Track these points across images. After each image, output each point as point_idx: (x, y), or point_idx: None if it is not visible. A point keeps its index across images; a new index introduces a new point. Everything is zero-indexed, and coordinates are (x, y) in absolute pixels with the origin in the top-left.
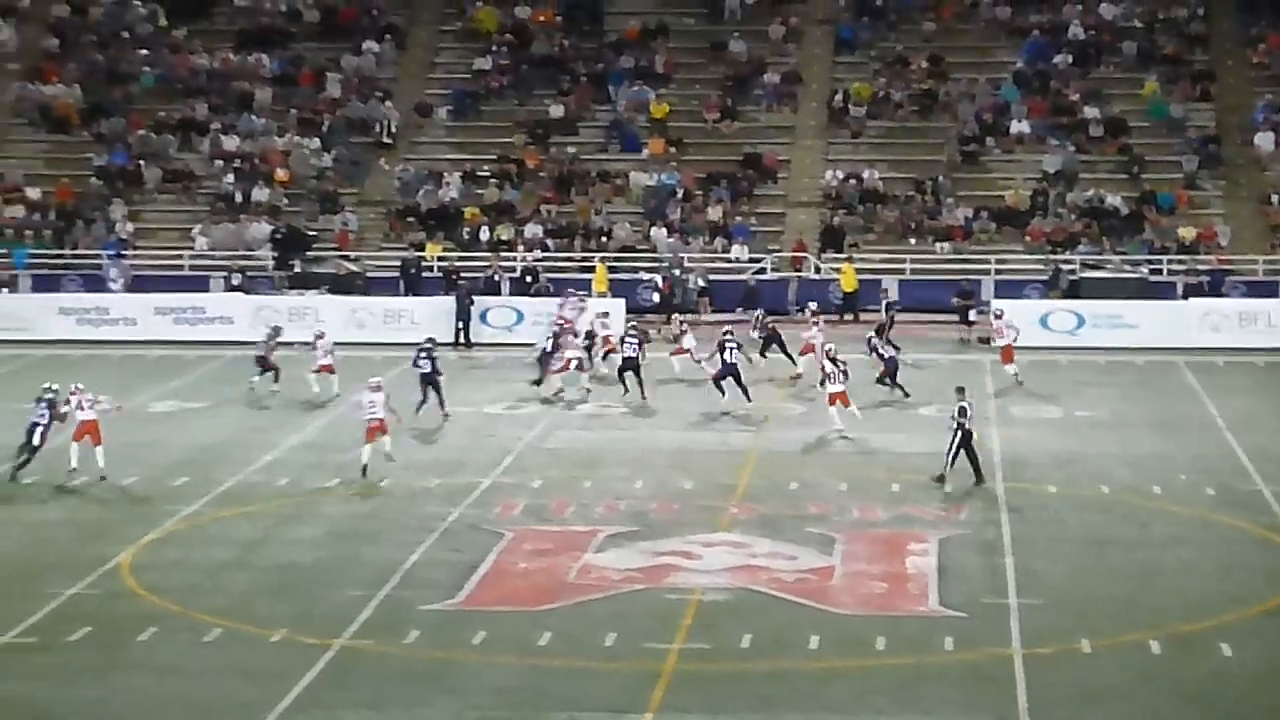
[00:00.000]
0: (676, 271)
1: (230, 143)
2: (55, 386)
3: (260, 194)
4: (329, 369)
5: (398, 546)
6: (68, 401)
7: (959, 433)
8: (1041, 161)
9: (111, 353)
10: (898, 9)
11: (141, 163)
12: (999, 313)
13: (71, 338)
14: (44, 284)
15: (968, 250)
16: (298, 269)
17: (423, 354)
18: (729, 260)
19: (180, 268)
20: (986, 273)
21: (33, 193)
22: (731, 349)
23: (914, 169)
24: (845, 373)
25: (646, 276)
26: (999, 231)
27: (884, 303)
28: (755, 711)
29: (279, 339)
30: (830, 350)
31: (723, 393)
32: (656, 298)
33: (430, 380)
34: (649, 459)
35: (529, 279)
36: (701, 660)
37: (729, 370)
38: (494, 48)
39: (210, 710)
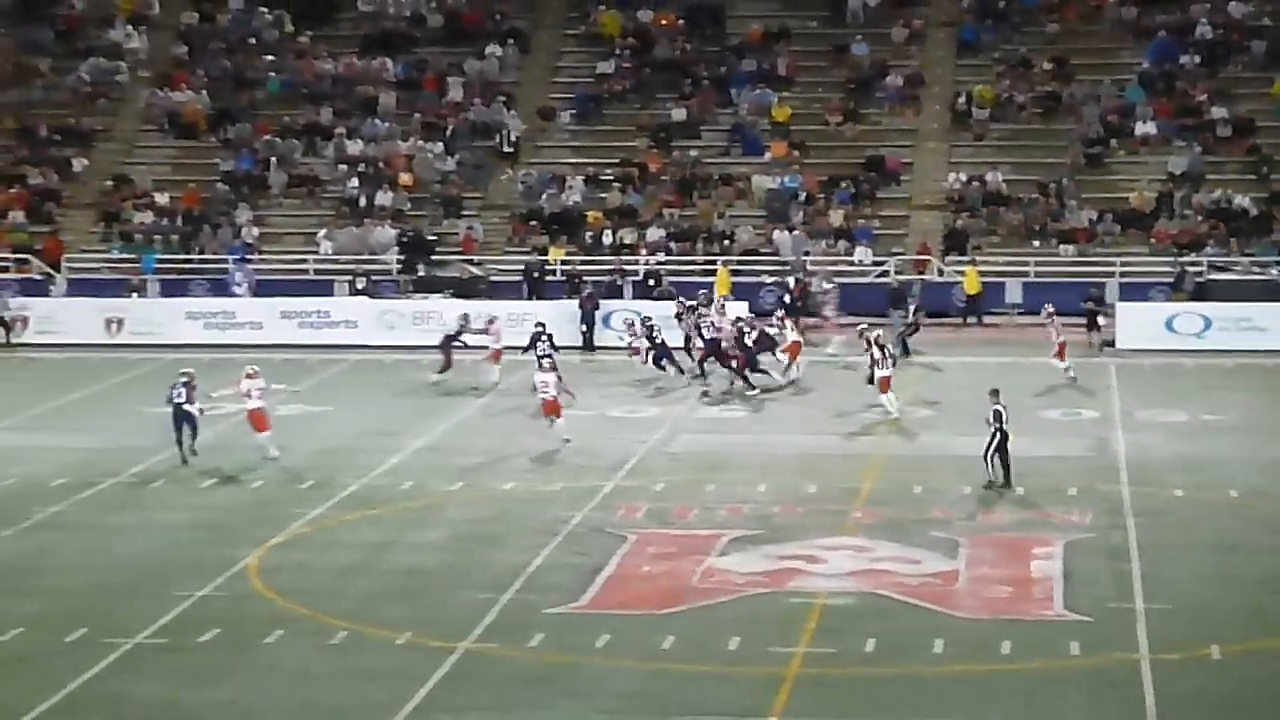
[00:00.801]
0: (801, 275)
1: (354, 147)
2: (191, 369)
3: (384, 198)
4: (497, 357)
5: (522, 549)
6: (239, 383)
7: (997, 436)
8: (1167, 163)
9: (237, 356)
10: (1021, 10)
11: (267, 168)
12: (1051, 311)
13: (198, 341)
14: (172, 288)
15: (1092, 253)
16: (422, 273)
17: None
18: (852, 263)
19: (305, 272)
20: (1111, 275)
21: (161, 198)
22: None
23: (1038, 171)
24: (894, 360)
25: (770, 280)
26: (1123, 234)
27: (912, 305)
28: (880, 716)
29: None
30: (878, 337)
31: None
32: (787, 299)
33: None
34: (772, 463)
35: (651, 282)
36: (825, 664)
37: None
38: (616, 51)
39: (337, 712)
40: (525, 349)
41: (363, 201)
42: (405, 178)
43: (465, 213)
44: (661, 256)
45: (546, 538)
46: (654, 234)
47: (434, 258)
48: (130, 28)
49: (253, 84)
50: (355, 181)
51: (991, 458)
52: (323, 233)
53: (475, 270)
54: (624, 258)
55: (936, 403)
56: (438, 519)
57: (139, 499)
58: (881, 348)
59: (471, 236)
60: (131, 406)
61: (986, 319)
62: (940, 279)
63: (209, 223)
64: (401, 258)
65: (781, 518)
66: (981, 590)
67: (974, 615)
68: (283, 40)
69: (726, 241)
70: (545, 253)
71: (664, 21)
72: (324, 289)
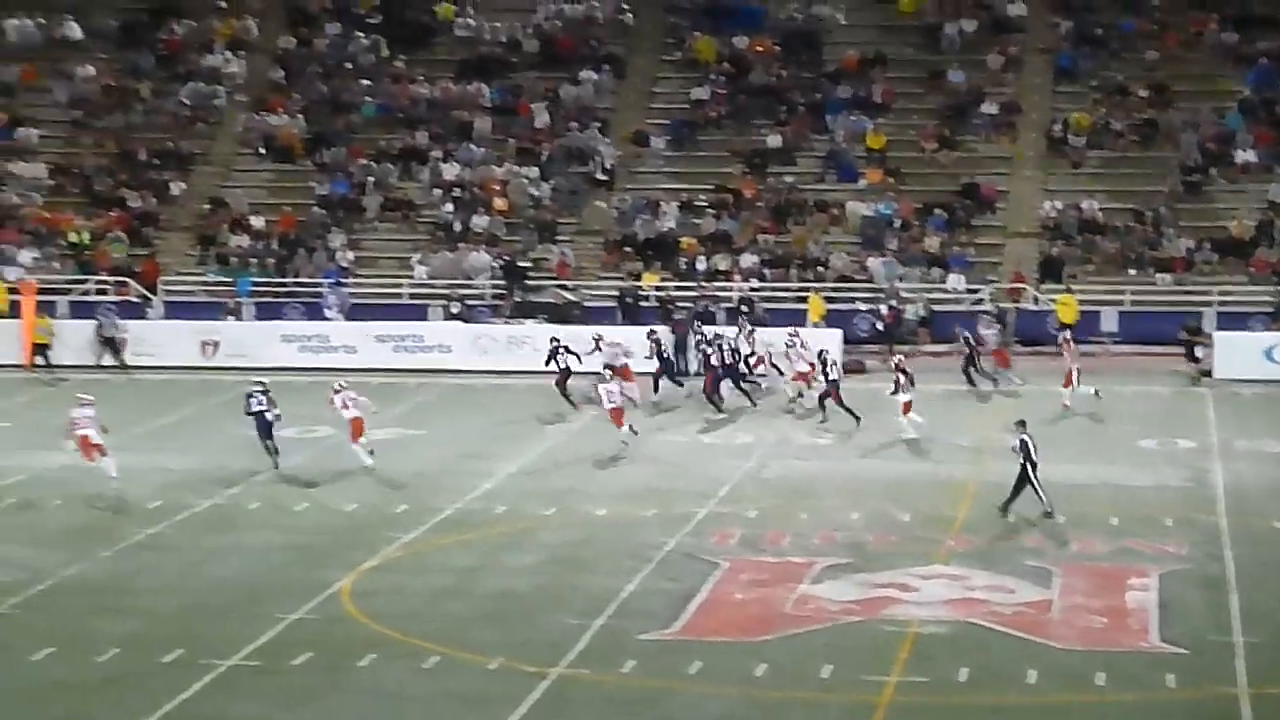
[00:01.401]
0: (894, 302)
1: (450, 172)
2: (266, 381)
3: (479, 223)
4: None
5: (614, 575)
6: (331, 401)
7: (1026, 465)
8: (1268, 190)
9: (332, 380)
10: (1119, 37)
11: (363, 191)
12: (1068, 336)
13: (293, 365)
14: (267, 311)
15: (1189, 281)
16: (516, 298)
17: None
18: (946, 290)
19: (400, 296)
20: (1208, 304)
21: (257, 221)
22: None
23: (1134, 199)
24: (913, 382)
25: (864, 307)
26: (1222, 262)
27: (963, 334)
28: None
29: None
30: (899, 362)
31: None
32: (881, 327)
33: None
34: (865, 490)
35: (744, 309)
36: (918, 693)
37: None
38: (712, 77)
39: None
40: (546, 361)
41: (457, 226)
42: (500, 203)
43: (559, 238)
44: (755, 283)
45: (639, 563)
46: (748, 260)
47: (529, 282)
48: (229, 52)
49: (349, 108)
50: (450, 206)
51: (1024, 487)
52: (417, 257)
53: (569, 295)
54: (717, 284)
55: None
56: (530, 543)
57: (234, 521)
58: (906, 373)
59: (565, 262)
60: (227, 429)
61: (1082, 348)
62: (1035, 307)
63: (304, 246)
64: (504, 282)
65: (874, 545)
66: (1076, 620)
67: (1069, 645)
68: (379, 65)
69: (820, 268)
70: (639, 278)
71: (760, 47)
72: (418, 313)
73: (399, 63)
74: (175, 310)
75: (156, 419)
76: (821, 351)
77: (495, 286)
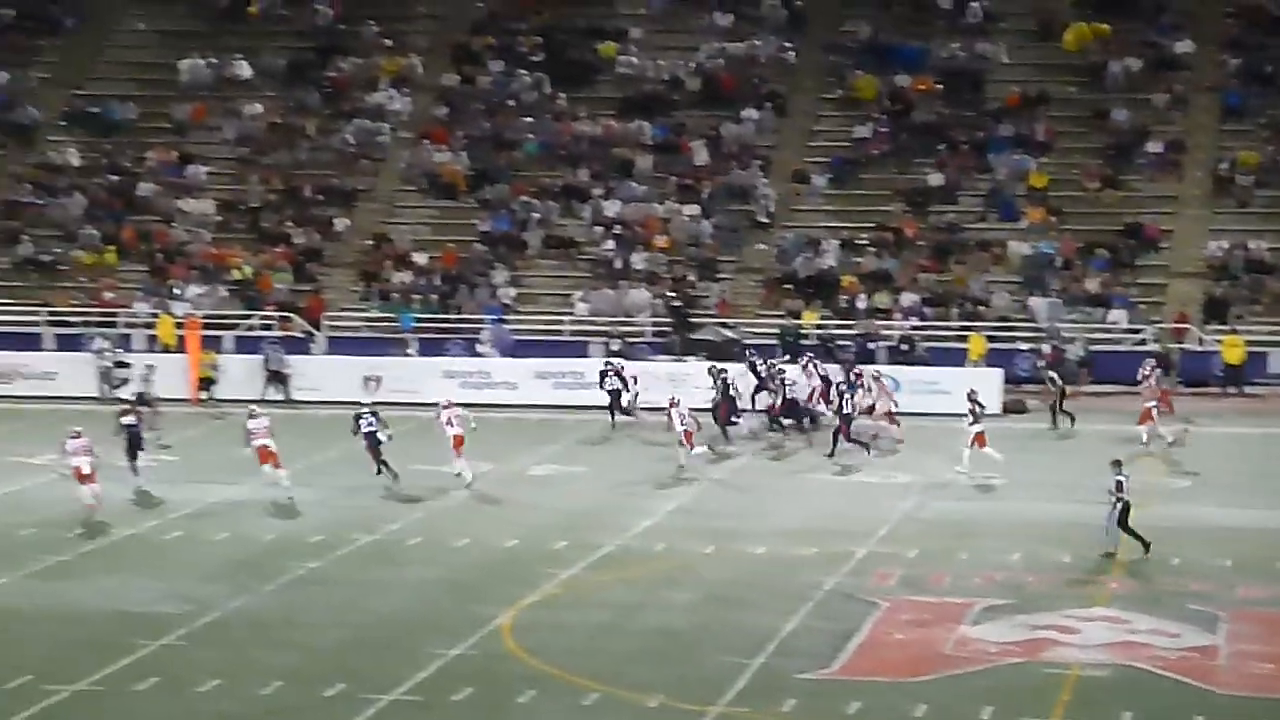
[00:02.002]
0: (1056, 342)
1: (611, 209)
2: (370, 403)
3: (640, 260)
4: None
5: (774, 613)
6: (437, 416)
7: (1117, 505)
8: None
9: (493, 416)
10: None
11: (525, 228)
12: (1149, 370)
13: (454, 401)
14: (428, 348)
15: None
16: (680, 335)
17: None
18: (1108, 330)
19: (560, 333)
20: None
21: (420, 258)
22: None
23: None
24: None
25: (1025, 347)
26: None
27: (1048, 375)
28: None
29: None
30: (973, 393)
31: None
32: (1043, 365)
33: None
34: (1026, 530)
35: (905, 347)
36: None
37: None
38: (873, 115)
39: None
40: (600, 384)
41: (618, 263)
42: (661, 240)
43: (720, 275)
44: (915, 321)
45: (798, 602)
46: (908, 299)
47: (690, 320)
48: (393, 90)
49: (511, 145)
50: (611, 243)
51: (1112, 528)
52: (578, 294)
53: (729, 333)
54: (878, 322)
55: (1195, 474)
56: (690, 581)
57: (395, 556)
58: (980, 404)
59: (726, 299)
60: (391, 464)
61: (1248, 389)
62: (1200, 348)
63: (466, 283)
64: (659, 320)
65: (1035, 586)
66: (1243, 666)
67: (1235, 692)
68: (541, 102)
69: (981, 307)
70: (799, 316)
71: (922, 86)
72: (578, 350)
73: (561, 100)
74: (338, 346)
75: (319, 454)
76: (839, 384)
77: (656, 324)
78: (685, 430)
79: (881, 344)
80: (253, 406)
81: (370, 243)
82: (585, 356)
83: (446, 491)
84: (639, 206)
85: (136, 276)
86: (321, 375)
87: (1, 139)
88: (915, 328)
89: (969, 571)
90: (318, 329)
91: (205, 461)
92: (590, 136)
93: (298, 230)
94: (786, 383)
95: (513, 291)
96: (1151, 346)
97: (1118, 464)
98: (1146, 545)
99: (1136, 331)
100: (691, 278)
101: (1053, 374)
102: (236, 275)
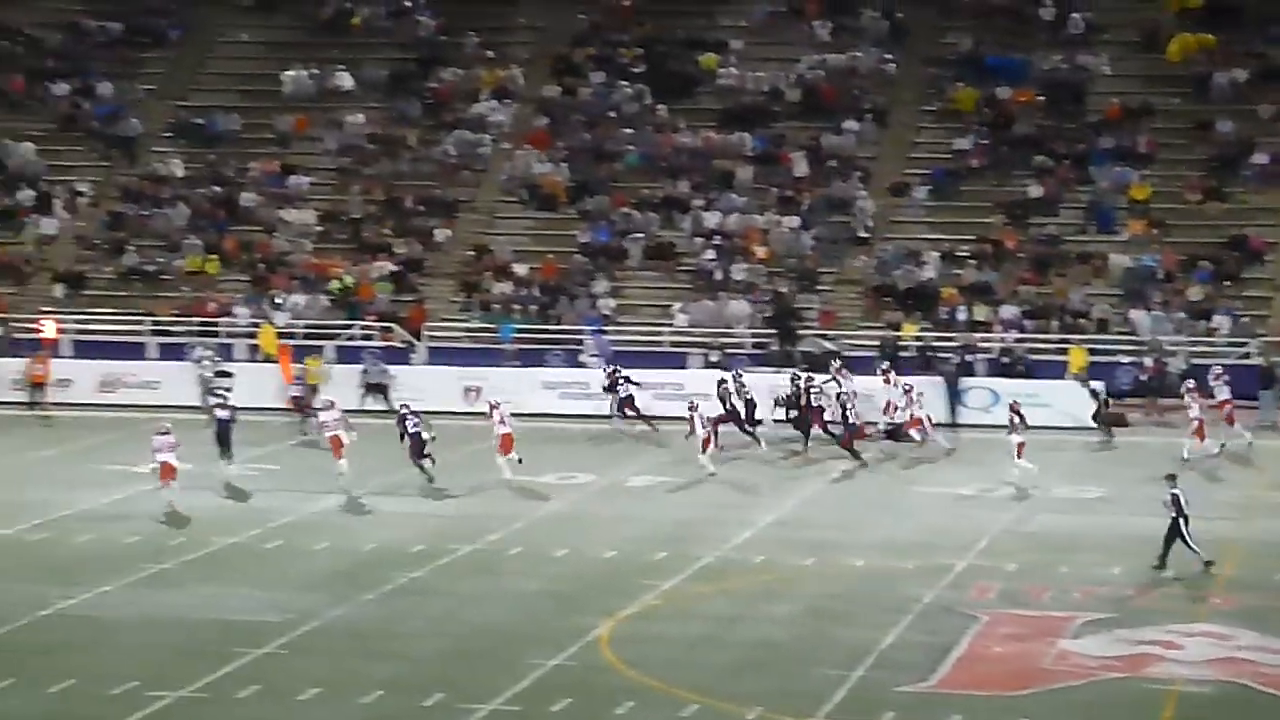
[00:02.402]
0: (1158, 355)
1: (711, 220)
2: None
3: (739, 272)
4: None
5: (872, 626)
6: (490, 414)
7: (1177, 520)
8: None
9: (591, 426)
10: None
11: (625, 239)
12: (1190, 384)
13: (554, 411)
14: (529, 358)
15: None
16: (775, 347)
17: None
18: (1211, 344)
19: (660, 344)
20: None
21: (520, 268)
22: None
23: None
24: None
25: (1127, 359)
26: None
27: (1089, 386)
28: None
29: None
30: (1016, 404)
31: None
32: (1145, 379)
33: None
34: (1127, 545)
35: (1005, 360)
36: None
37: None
38: (974, 127)
39: None
40: (606, 389)
41: (718, 275)
42: (761, 251)
43: (820, 287)
44: (1016, 334)
45: (897, 615)
46: (1008, 311)
47: (793, 332)
48: (494, 101)
49: (612, 156)
50: (711, 254)
51: (1171, 541)
52: (678, 305)
53: (829, 345)
54: (978, 334)
55: None
56: (789, 593)
57: (494, 566)
58: (1021, 414)
59: (828, 311)
60: (488, 475)
61: None
62: None
63: (566, 293)
64: (758, 331)
65: (1137, 601)
66: None
67: None
68: (642, 114)
69: (1082, 319)
70: (899, 328)
71: (1022, 98)
72: (677, 361)
73: (662, 112)
74: (439, 356)
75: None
76: (841, 393)
77: (755, 335)
78: (705, 435)
79: (981, 356)
80: (328, 399)
81: (471, 253)
82: (684, 368)
83: (547, 501)
84: (739, 218)
85: (238, 286)
86: (422, 385)
87: (107, 150)
88: (1017, 340)
89: (1069, 585)
90: (418, 339)
91: (306, 471)
92: (690, 148)
93: (398, 241)
94: (834, 395)
95: (612, 302)
96: (1255, 360)
97: (1172, 478)
98: (1163, 563)
99: (1241, 344)
100: (791, 289)
101: (1093, 385)
102: (336, 285)
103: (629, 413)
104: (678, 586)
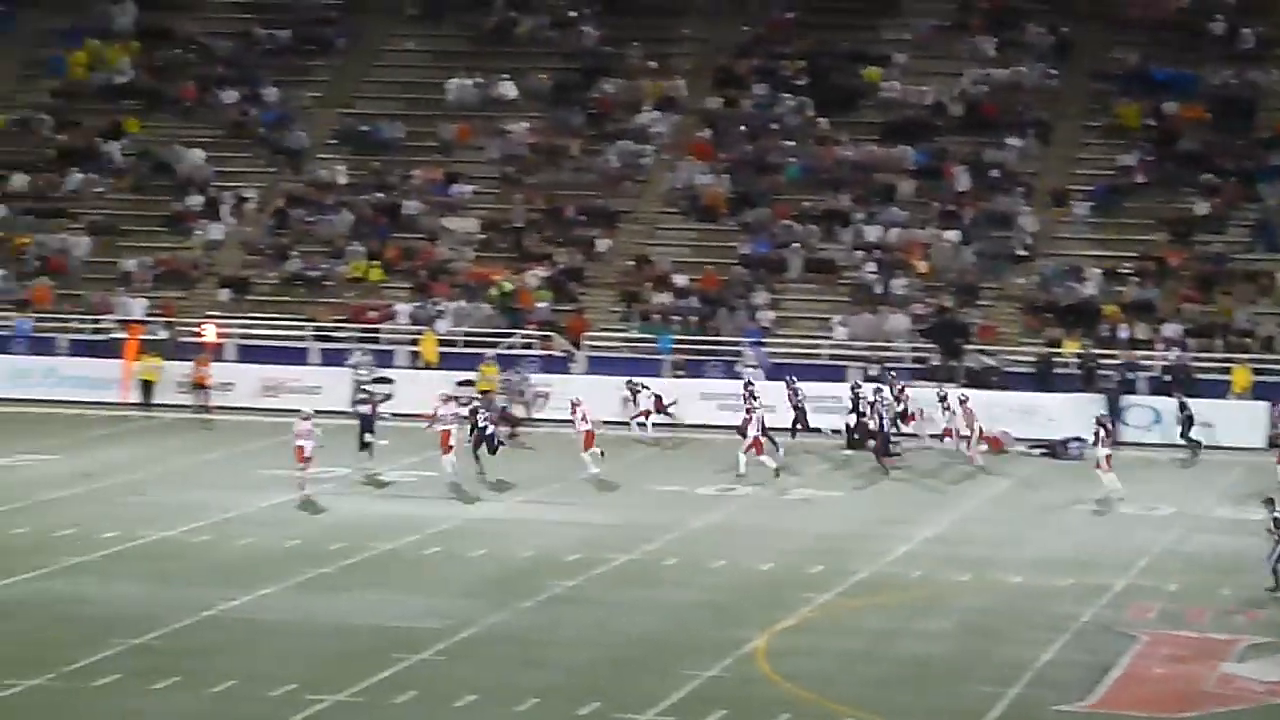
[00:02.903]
0: None
1: (872, 233)
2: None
3: (899, 286)
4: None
5: (1029, 644)
6: (573, 411)
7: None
8: None
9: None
10: None
11: (785, 252)
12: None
13: (712, 422)
14: (687, 369)
15: None
16: (937, 362)
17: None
18: None
19: (818, 357)
20: None
21: (680, 279)
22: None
23: None
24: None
25: None
26: None
27: (1178, 399)
28: None
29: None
30: (1101, 417)
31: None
32: None
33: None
34: None
35: (1167, 378)
36: None
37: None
38: (1139, 143)
39: None
40: (627, 400)
41: (878, 288)
42: (921, 265)
43: (980, 302)
44: (1178, 352)
45: (1054, 633)
46: (1171, 329)
47: (957, 346)
48: (657, 112)
49: (773, 169)
50: (871, 268)
51: (1276, 565)
52: (837, 318)
53: (988, 360)
54: (1139, 352)
55: None
56: (945, 609)
57: (650, 576)
58: (1107, 428)
59: (990, 326)
60: (644, 485)
61: None
62: None
63: (725, 305)
64: (917, 345)
65: None
66: None
67: None
68: (804, 126)
69: (1247, 339)
70: (1059, 345)
71: (1190, 114)
72: (836, 374)
73: (824, 124)
74: (598, 365)
75: (578, 473)
76: (877, 401)
77: (915, 349)
78: (754, 438)
79: (1142, 374)
80: (444, 392)
81: (631, 264)
82: (843, 380)
83: (705, 512)
84: (900, 231)
85: (400, 293)
86: (581, 394)
87: (272, 157)
88: (1178, 358)
89: (1232, 607)
90: (578, 348)
91: (464, 478)
92: (852, 161)
93: (559, 250)
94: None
95: (771, 314)
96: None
97: (1270, 503)
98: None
99: None
100: (954, 304)
101: (1182, 399)
102: (496, 291)
103: (643, 420)
104: (834, 600)
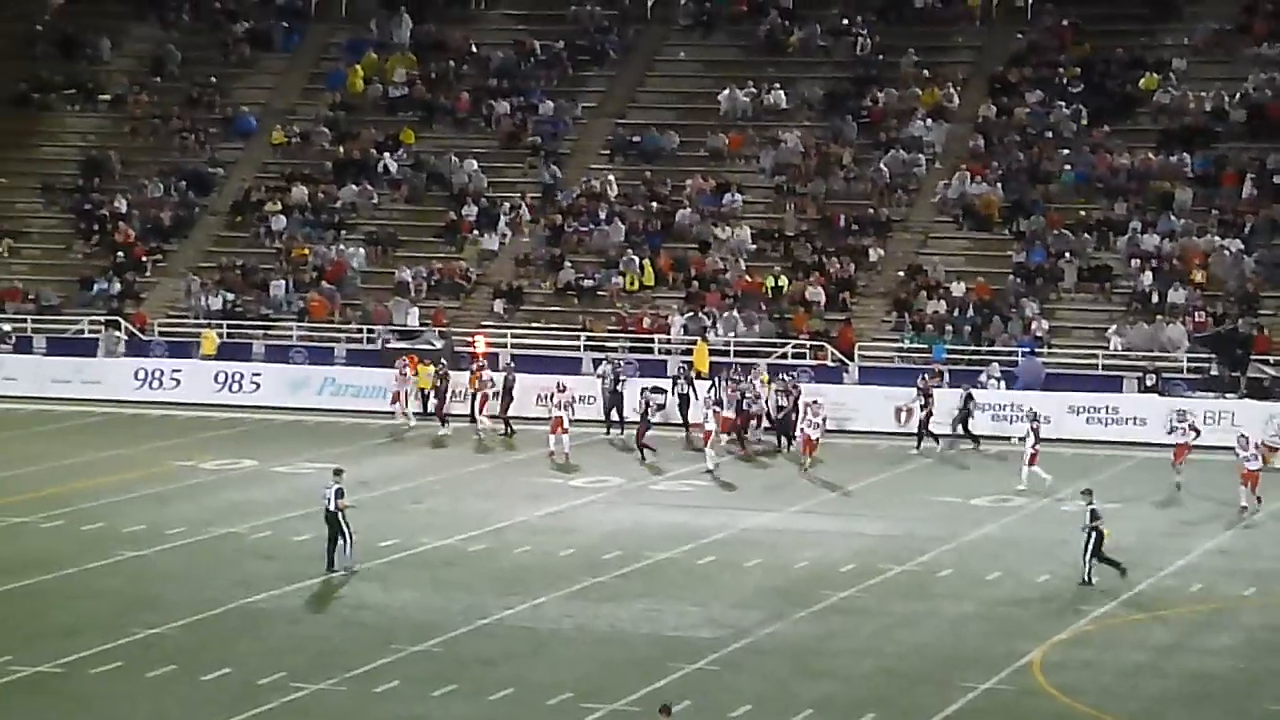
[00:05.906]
0: None
1: (1149, 242)
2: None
3: (1176, 295)
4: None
5: None
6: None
7: (1091, 535)
8: None
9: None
10: None
11: (1060, 261)
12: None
13: (984, 433)
14: (961, 378)
15: None
16: (1215, 371)
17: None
18: None
19: (1094, 367)
20: None
21: (955, 288)
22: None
23: None
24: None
25: None
26: None
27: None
28: None
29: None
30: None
31: None
32: None
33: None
34: None
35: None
36: None
37: None
38: None
39: None
40: (643, 414)
41: (1155, 298)
42: (1199, 275)
43: (1263, 312)
44: None
45: None
46: None
47: (1242, 357)
48: (930, 120)
49: (1047, 177)
50: (1149, 276)
51: (1089, 559)
52: (1113, 328)
53: (1270, 370)
54: None
55: None
56: (1228, 624)
57: (926, 587)
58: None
59: (1268, 337)
60: (919, 495)
61: None
62: None
63: (999, 314)
64: (1196, 355)
65: None
66: None
67: None
68: (1079, 134)
69: None
70: None
71: None
72: (1113, 385)
73: (1099, 132)
74: (869, 375)
75: (852, 483)
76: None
77: (1192, 359)
78: (804, 437)
79: None
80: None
81: (903, 273)
82: (1119, 391)
83: (978, 524)
84: (1178, 240)
85: (673, 303)
86: (854, 405)
87: (546, 167)
88: None
89: None
90: (850, 358)
91: (740, 488)
92: (1128, 168)
93: (831, 260)
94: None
95: (1045, 324)
96: None
97: (1088, 493)
98: (1121, 570)
99: None
100: (1232, 314)
101: None
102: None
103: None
104: (1111, 612)
